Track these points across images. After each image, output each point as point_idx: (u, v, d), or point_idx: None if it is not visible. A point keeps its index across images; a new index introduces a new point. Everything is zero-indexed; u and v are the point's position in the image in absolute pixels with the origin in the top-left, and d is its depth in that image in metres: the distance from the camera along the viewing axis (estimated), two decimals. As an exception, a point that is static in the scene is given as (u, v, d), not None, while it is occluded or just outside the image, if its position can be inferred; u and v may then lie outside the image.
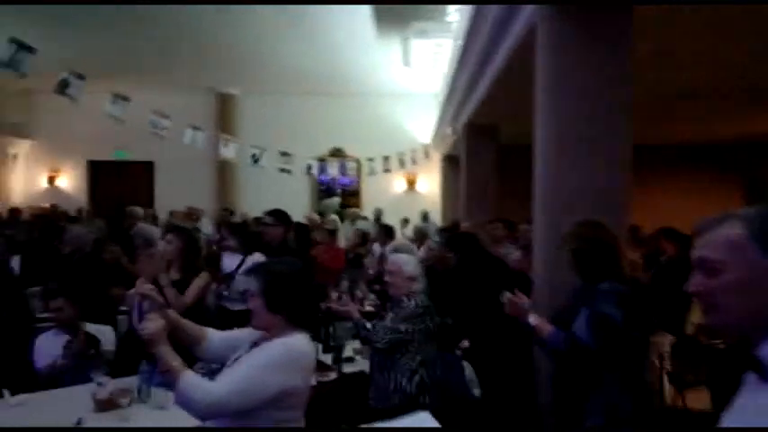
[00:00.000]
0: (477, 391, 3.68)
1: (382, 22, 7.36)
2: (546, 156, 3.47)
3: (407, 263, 3.32)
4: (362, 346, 3.86)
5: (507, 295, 2.51)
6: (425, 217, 10.05)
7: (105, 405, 2.83)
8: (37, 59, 5.80)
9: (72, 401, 2.94)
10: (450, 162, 11.00)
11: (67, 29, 7.87)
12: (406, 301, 3.14)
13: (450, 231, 6.73)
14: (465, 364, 3.81)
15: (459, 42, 5.82)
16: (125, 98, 6.61)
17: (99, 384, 2.96)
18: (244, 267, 4.50)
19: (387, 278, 3.35)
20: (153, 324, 1.89)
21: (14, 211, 8.65)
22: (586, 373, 2.33)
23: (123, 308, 4.62)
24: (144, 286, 2.15)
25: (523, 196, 4.73)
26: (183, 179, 12.00)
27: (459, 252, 4.50)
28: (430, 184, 12.56)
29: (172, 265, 3.67)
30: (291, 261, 2.23)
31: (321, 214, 10.15)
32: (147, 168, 12.24)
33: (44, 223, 7.19)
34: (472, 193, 7.23)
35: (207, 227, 9.02)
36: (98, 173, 12.48)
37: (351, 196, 12.45)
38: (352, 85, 11.19)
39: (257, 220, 9.16)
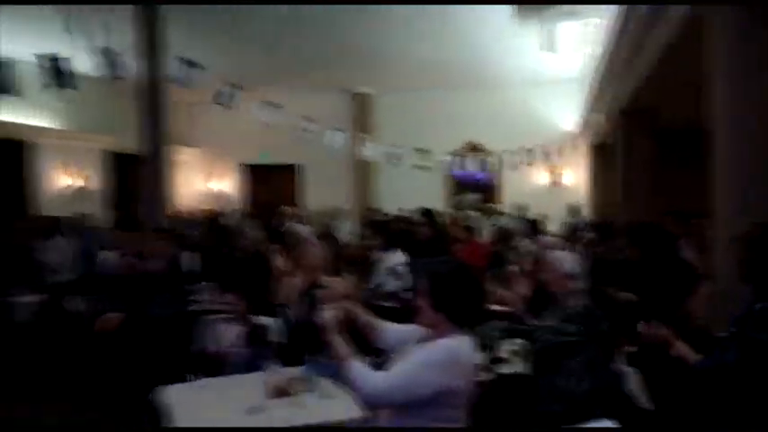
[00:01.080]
0: (644, 400, 3.37)
1: (523, 7, 7.07)
2: (729, 141, 3.08)
3: (564, 260, 3.13)
4: (518, 346, 3.73)
5: (642, 326, 2.43)
6: (575, 212, 9.46)
7: (278, 392, 3.01)
8: (199, 75, 6.46)
9: (248, 387, 3.17)
10: (600, 151, 10.25)
11: (220, 44, 8.59)
12: (567, 300, 2.96)
13: (601, 227, 6.28)
14: (630, 370, 3.51)
15: (614, 21, 5.39)
16: (276, 105, 7.09)
17: (271, 372, 3.17)
18: (386, 265, 4.61)
19: (543, 276, 3.20)
20: (328, 314, 2.07)
21: (183, 213, 9.67)
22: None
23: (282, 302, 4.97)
24: (327, 279, 2.28)
25: (689, 186, 4.24)
26: (324, 179, 12.62)
27: (642, 247, 4.14)
28: (576, 176, 11.84)
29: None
30: (456, 261, 2.24)
31: (457, 210, 10.08)
32: (291, 170, 13.05)
33: (210, 223, 7.94)
34: (628, 183, 6.63)
35: (345, 225, 9.37)
36: (250, 175, 13.58)
37: (488, 191, 12.16)
38: (490, 75, 10.91)
39: (399, 218, 9.38)
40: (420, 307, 1.98)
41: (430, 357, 1.88)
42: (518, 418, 3.07)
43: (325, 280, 2.34)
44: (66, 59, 5.43)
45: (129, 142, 11.19)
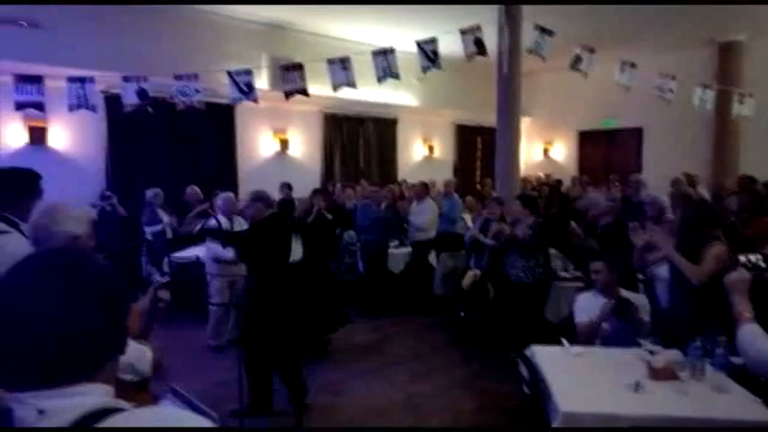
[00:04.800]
0: None
1: None
2: None
3: None
4: None
5: None
6: None
7: (662, 374, 2.86)
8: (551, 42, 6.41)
9: (624, 362, 3.10)
10: None
11: (570, 8, 8.33)
12: None
13: None
14: None
15: None
16: (633, 65, 6.56)
17: (651, 352, 3.02)
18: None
19: None
20: (738, 275, 2.08)
21: (525, 182, 9.93)
22: None
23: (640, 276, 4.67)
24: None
25: None
26: (671, 143, 11.26)
27: None
28: None
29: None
30: None
31: None
32: (635, 134, 12.02)
33: (551, 191, 7.98)
34: None
35: (704, 195, 8.14)
36: (586, 142, 13.09)
37: None
38: None
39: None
40: None
41: None
42: None
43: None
44: (437, 43, 6.07)
45: (471, 115, 12.18)
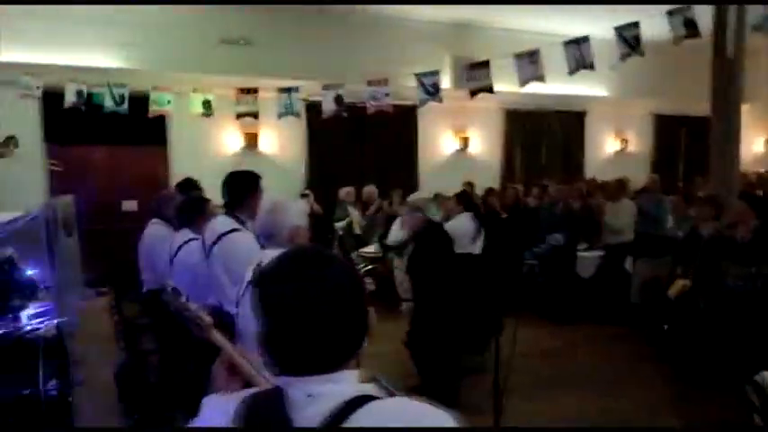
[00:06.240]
0: None
1: None
2: None
3: None
4: None
5: None
6: None
7: None
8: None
9: None
10: None
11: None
12: None
13: None
14: None
15: None
16: None
17: None
18: None
19: None
20: None
21: (745, 178, 8.55)
22: None
23: None
24: None
25: None
26: None
27: None
28: None
29: None
30: None
31: None
32: None
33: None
34: None
35: None
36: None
37: None
38: None
39: None
40: None
41: None
42: None
43: None
44: (638, 28, 5.54)
45: (674, 104, 10.86)
